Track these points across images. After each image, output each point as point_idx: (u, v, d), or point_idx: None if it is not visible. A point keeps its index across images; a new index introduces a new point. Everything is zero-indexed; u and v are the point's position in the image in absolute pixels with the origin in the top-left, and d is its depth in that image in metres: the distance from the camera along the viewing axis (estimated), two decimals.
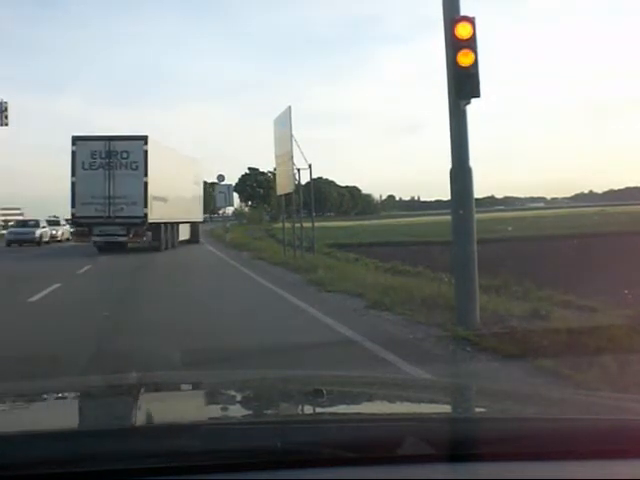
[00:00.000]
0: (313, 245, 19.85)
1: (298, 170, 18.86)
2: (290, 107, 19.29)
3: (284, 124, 19.44)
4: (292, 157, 18.76)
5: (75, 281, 14.36)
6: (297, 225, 20.00)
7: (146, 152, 22.94)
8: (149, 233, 23.37)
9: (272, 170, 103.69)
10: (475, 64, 6.94)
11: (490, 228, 31.99)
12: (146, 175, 22.79)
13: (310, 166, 19.06)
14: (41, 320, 8.59)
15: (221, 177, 35.21)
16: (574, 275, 11.51)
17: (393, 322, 7.88)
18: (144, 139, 23.21)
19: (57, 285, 12.57)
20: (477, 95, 7.01)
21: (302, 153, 18.78)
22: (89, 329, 7.51)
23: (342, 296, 10.47)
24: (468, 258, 7.25)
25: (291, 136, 18.58)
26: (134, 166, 22.79)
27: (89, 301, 10.58)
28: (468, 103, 7.14)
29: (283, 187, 20.89)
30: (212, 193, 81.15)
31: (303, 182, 20.16)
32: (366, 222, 66.05)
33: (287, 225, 21.95)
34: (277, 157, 21.35)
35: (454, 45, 6.92)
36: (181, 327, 7.61)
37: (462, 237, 7.33)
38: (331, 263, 16.34)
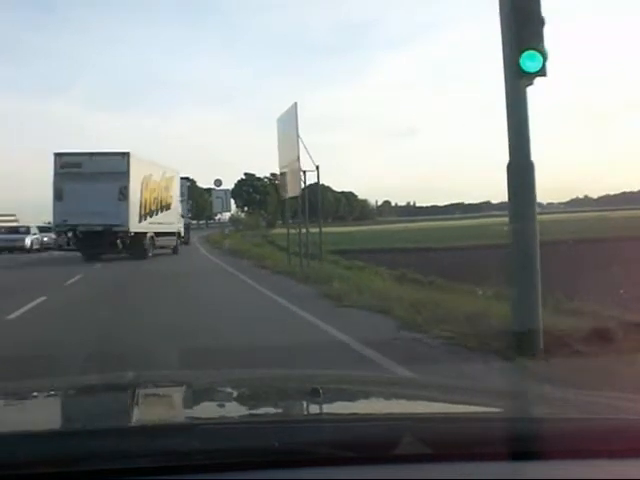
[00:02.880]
0: (320, 252, 18.37)
1: (304, 172, 17.41)
2: (296, 104, 17.55)
3: (289, 123, 17.95)
4: (298, 158, 17.19)
5: (62, 294, 13.08)
6: (303, 231, 18.48)
7: (128, 167, 23.59)
8: (128, 242, 23.80)
9: (269, 176, 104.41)
10: (540, 35, 5.73)
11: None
12: (127, 188, 23.42)
13: (317, 168, 17.38)
14: (18, 343, 7.36)
15: (218, 182, 33.50)
16: (602, 282, 10.34)
17: (437, 348, 6.60)
18: (126, 155, 23.80)
19: (42, 299, 11.49)
20: (543, 73, 5.80)
21: (309, 154, 17.20)
22: (72, 359, 6.16)
23: (364, 313, 9.15)
24: (530, 267, 6.03)
25: (297, 135, 17.05)
26: (115, 179, 23.14)
27: (75, 320, 9.28)
28: (530, 84, 5.93)
29: (288, 190, 19.34)
30: (208, 199, 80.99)
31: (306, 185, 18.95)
32: (364, 228, 65.15)
33: (291, 231, 20.63)
34: (281, 158, 19.77)
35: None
36: (185, 360, 6.07)
37: (522, 243, 6.13)
38: (340, 272, 15.04)
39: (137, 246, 23.82)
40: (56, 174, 23.30)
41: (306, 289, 12.84)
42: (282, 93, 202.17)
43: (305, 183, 17.83)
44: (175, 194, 29.29)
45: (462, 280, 11.41)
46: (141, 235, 24.26)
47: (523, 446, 1.25)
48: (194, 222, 47.64)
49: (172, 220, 28.40)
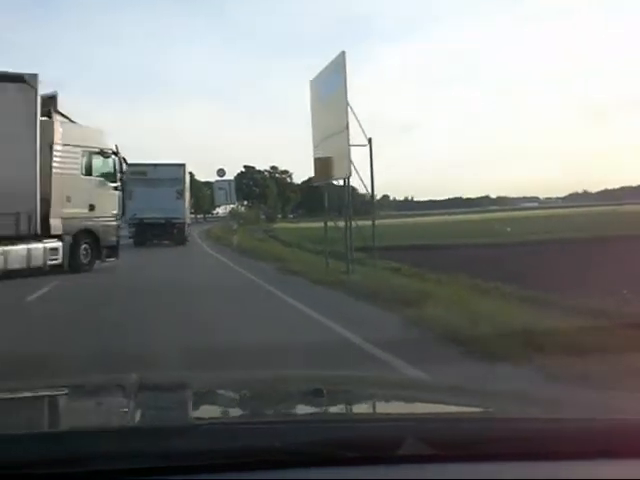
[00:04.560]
0: (373, 252, 14.48)
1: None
2: (344, 53, 13.31)
3: (333, 82, 13.82)
4: (347, 126, 13.11)
5: (20, 315, 9.72)
6: (329, 225, 15.42)
7: (183, 174, 31.93)
8: (176, 231, 30.84)
9: (268, 169, 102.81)
10: None
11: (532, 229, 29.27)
12: (183, 190, 31.19)
13: (370, 141, 13.41)
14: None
15: (221, 171, 30.24)
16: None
17: None
18: (182, 165, 31.98)
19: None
20: None
21: (359, 122, 13.16)
22: None
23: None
24: None
25: (345, 97, 13.05)
26: (173, 183, 30.73)
27: (28, 361, 5.70)
28: None
29: (329, 172, 14.78)
30: (206, 192, 79.28)
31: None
32: (369, 223, 63.11)
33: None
34: (317, 132, 15.56)
35: None
36: None
37: None
38: (405, 282, 11.22)
39: (181, 234, 30.81)
40: (127, 180, 25.41)
41: (389, 317, 8.52)
42: (278, 86, 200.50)
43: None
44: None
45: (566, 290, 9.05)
46: (185, 225, 31.57)
47: (523, 446, 1.26)
48: (192, 216, 45.73)
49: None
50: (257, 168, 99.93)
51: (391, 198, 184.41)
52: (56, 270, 15.21)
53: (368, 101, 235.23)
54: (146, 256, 23.89)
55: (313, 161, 16.26)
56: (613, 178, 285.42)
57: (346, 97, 13.09)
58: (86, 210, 16.51)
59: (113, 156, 17.47)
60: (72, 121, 16.43)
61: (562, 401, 1.92)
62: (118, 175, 17.90)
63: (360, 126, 13.26)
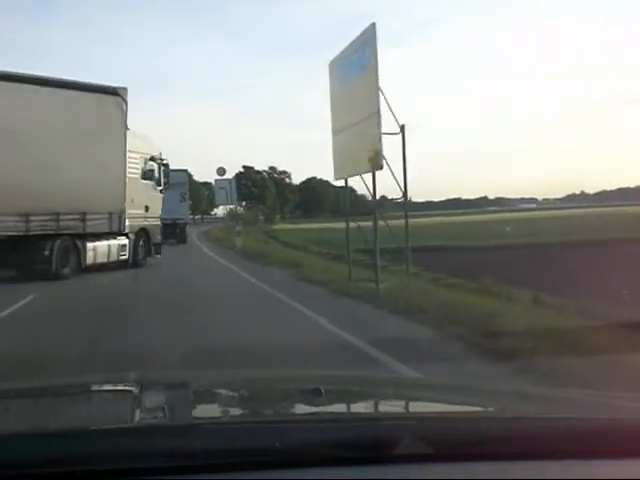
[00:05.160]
0: (407, 258, 12.02)
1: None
2: (374, 25, 11.32)
3: (358, 61, 11.88)
4: (378, 111, 11.00)
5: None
6: (350, 225, 13.27)
7: (186, 179, 35.32)
8: (179, 231, 33.06)
9: (267, 169, 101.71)
10: None
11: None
12: (186, 193, 34.49)
13: (403, 128, 11.42)
14: None
15: (222, 170, 28.76)
16: None
17: None
18: (185, 171, 34.97)
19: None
20: None
21: (390, 108, 11.16)
22: None
23: None
24: None
25: (376, 77, 11.06)
26: (177, 187, 30.01)
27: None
28: None
29: (353, 165, 12.52)
30: (204, 193, 78.15)
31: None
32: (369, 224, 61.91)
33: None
34: (336, 119, 13.48)
35: None
36: None
37: None
38: (447, 296, 9.38)
39: (183, 233, 32.89)
40: None
41: (456, 345, 6.63)
42: (275, 87, 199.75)
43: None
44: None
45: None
46: (186, 225, 33.84)
47: (523, 446, 1.26)
48: (189, 217, 44.58)
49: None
50: (256, 168, 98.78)
51: (389, 199, 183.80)
52: (123, 265, 17.35)
53: None
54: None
55: (333, 153, 13.86)
56: (611, 179, 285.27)
57: (377, 76, 11.10)
58: (143, 211, 18.51)
59: (159, 161, 19.77)
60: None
61: (562, 401, 1.90)
62: (162, 179, 20.00)
63: (391, 110, 11.13)
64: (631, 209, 62.44)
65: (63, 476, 1.17)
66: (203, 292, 12.31)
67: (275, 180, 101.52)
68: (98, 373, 4.48)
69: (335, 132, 13.61)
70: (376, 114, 11.06)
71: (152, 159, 19.17)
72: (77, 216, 15.84)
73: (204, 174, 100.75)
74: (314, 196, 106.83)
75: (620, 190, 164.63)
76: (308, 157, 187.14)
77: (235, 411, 1.80)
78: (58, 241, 15.38)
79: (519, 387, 3.21)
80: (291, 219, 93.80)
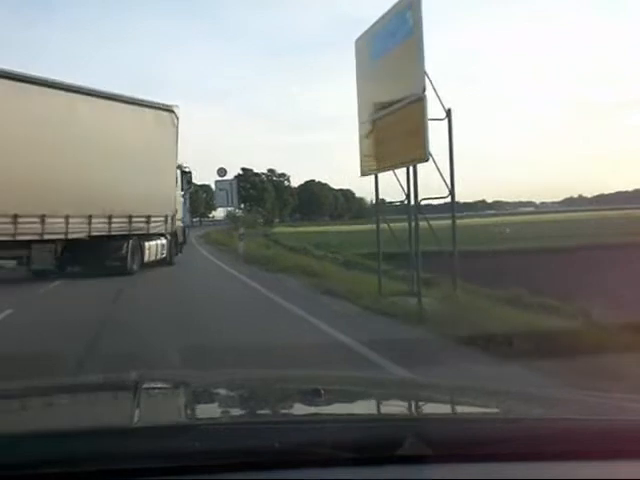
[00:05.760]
0: (453, 268, 9.54)
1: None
2: None
3: (394, 34, 9.82)
4: (424, 89, 8.99)
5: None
6: (374, 226, 11.55)
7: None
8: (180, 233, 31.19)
9: (266, 172, 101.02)
10: None
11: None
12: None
13: (449, 113, 9.14)
14: None
15: (222, 171, 27.00)
16: None
17: None
18: (188, 173, 31.80)
19: None
20: None
21: (433, 87, 9.11)
22: None
23: None
24: None
25: (421, 49, 9.09)
26: None
27: None
28: None
29: (386, 158, 10.46)
30: (201, 195, 77.43)
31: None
32: (372, 227, 61.17)
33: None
34: (364, 103, 11.27)
35: None
36: None
37: None
38: (511, 315, 7.65)
39: (183, 236, 32.87)
40: None
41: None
42: (272, 90, 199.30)
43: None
44: None
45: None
46: (186, 227, 34.27)
47: (523, 446, 1.26)
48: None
49: None
50: (255, 171, 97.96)
51: (387, 202, 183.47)
52: (161, 262, 19.30)
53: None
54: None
55: (359, 145, 11.62)
56: (609, 183, 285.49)
57: (422, 48, 9.06)
58: (175, 214, 20.39)
59: (182, 168, 21.97)
60: None
61: (562, 401, 1.90)
62: (186, 186, 22.87)
63: (434, 90, 9.01)
64: (632, 212, 62.33)
65: (63, 476, 1.16)
66: (209, 311, 10.41)
67: (274, 183, 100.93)
68: (97, 374, 4.41)
69: (363, 120, 11.32)
70: (421, 94, 9.01)
71: (179, 167, 21.47)
72: (143, 219, 18.00)
73: (202, 176, 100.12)
74: (313, 199, 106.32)
75: (618, 193, 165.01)
76: (307, 160, 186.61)
77: (235, 411, 1.80)
78: (130, 241, 17.38)
79: (520, 388, 3.19)
80: (290, 222, 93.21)
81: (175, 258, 21.04)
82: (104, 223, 16.58)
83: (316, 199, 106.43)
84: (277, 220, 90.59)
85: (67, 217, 15.47)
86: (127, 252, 17.14)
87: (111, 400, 1.93)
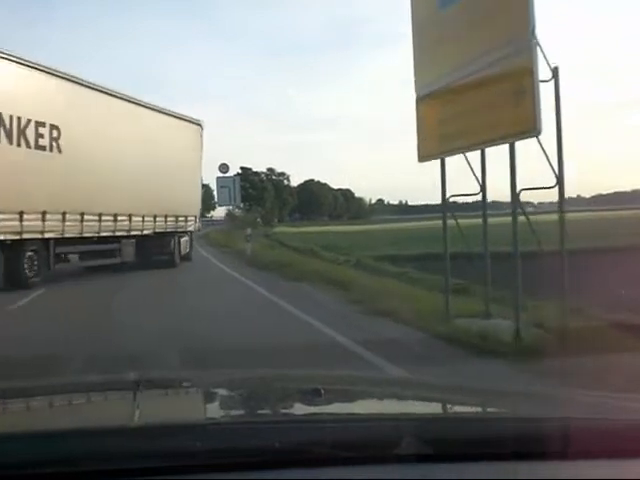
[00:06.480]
0: (562, 279, 6.78)
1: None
2: None
3: None
4: (533, 32, 6.44)
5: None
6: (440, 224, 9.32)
7: None
8: None
9: (265, 171, 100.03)
10: None
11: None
12: None
13: (556, 72, 6.66)
14: None
15: (224, 167, 25.32)
16: None
17: None
18: None
19: None
20: None
21: (538, 43, 6.56)
22: None
23: None
24: None
25: None
26: None
27: None
28: None
29: (468, 133, 7.89)
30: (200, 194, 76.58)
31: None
32: (372, 227, 59.82)
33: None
34: (427, 61, 8.71)
35: None
36: None
37: None
38: None
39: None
40: None
41: None
42: (271, 91, 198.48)
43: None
44: None
45: None
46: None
47: (523, 446, 1.24)
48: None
49: None
50: (254, 170, 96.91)
51: (385, 202, 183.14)
52: (185, 257, 21.68)
53: (365, 104, 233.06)
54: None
55: (417, 123, 8.98)
56: (606, 183, 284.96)
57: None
58: (199, 214, 23.55)
59: None
60: None
61: (562, 401, 1.88)
62: None
63: (539, 46, 6.53)
64: (632, 213, 61.49)
65: (63, 476, 1.16)
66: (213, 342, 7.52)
67: (273, 182, 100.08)
68: (97, 374, 4.41)
69: (422, 91, 8.73)
70: (530, 39, 6.46)
71: None
72: (183, 218, 21.05)
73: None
74: (312, 199, 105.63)
75: (616, 194, 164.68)
76: (306, 159, 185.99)
77: (235, 411, 1.79)
78: (176, 237, 20.33)
79: (519, 387, 3.14)
80: (289, 222, 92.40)
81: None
82: (162, 222, 19.53)
83: (316, 199, 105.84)
84: (276, 220, 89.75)
85: (144, 216, 18.44)
86: (174, 247, 20.18)
87: (111, 400, 1.91)
